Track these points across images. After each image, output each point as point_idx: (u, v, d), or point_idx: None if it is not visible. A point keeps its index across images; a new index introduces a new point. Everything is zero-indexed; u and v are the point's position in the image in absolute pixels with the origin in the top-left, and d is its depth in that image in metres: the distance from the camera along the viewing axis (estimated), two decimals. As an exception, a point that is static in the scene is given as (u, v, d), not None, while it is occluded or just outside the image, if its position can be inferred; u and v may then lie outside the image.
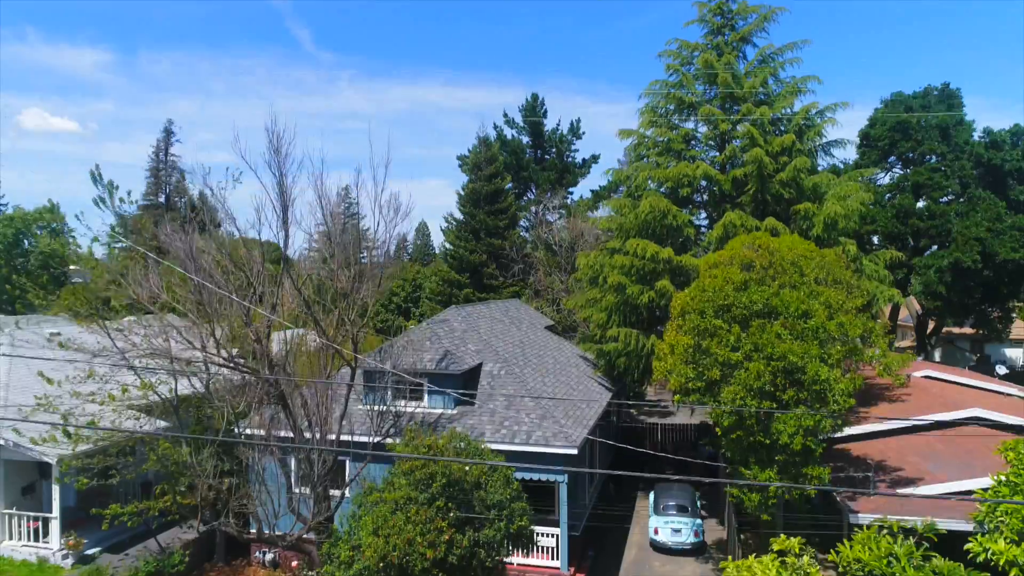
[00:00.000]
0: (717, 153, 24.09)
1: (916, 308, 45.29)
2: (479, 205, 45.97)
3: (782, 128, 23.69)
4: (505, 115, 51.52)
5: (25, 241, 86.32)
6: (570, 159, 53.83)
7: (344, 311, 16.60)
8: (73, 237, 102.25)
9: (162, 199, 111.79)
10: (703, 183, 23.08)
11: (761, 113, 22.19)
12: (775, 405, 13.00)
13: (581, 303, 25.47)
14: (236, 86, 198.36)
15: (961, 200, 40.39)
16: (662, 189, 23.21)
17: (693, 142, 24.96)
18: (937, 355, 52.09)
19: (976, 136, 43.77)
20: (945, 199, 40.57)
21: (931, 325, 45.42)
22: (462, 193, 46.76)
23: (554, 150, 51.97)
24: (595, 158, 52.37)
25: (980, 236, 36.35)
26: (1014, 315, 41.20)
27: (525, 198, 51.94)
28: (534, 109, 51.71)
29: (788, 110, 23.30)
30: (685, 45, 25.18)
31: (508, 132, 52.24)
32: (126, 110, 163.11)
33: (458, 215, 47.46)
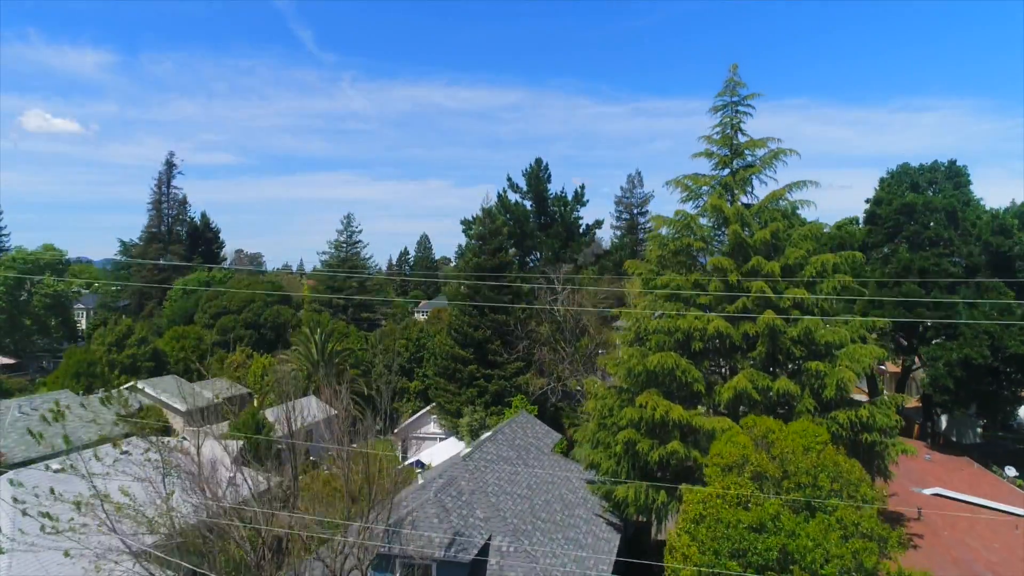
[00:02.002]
0: (725, 294, 23.84)
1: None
2: (484, 279, 45.77)
3: (794, 263, 23.43)
4: (508, 179, 51.46)
5: (28, 283, 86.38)
6: (573, 218, 53.65)
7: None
8: (75, 277, 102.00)
9: (163, 229, 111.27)
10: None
11: (771, 268, 21.99)
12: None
13: (588, 438, 25.20)
14: (238, 87, 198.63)
15: (969, 282, 40.09)
16: (672, 336, 22.96)
17: (702, 275, 24.74)
18: (944, 420, 51.88)
19: (984, 203, 43.64)
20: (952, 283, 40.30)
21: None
22: (467, 268, 46.62)
23: (558, 215, 51.76)
24: (599, 223, 52.32)
25: (989, 330, 36.11)
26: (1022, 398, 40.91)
27: (529, 263, 51.75)
28: (538, 174, 51.52)
29: (799, 257, 23.07)
30: (695, 180, 25.01)
31: (512, 196, 52.10)
32: (128, 111, 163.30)
33: (458, 262, 47.41)
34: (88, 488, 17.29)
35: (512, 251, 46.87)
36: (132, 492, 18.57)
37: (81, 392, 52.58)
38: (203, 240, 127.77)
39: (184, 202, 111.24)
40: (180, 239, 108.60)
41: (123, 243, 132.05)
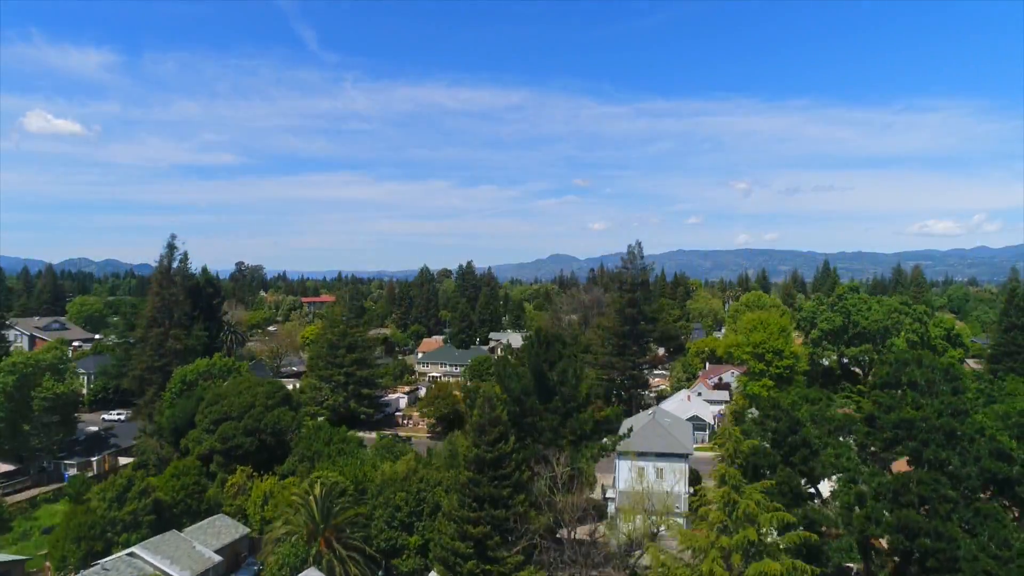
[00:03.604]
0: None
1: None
2: (483, 471, 45.83)
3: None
4: (508, 346, 51.29)
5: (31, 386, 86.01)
6: (573, 393, 53.56)
7: None
8: (76, 374, 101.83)
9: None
10: None
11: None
12: None
13: None
14: (241, 87, 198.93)
15: (970, 500, 40.15)
16: None
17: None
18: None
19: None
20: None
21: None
22: (467, 457, 46.67)
23: (556, 388, 51.79)
24: (597, 395, 52.22)
25: (988, 569, 36.19)
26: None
27: (528, 442, 51.65)
28: (537, 348, 51.55)
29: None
30: (694, 538, 25.12)
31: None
32: (130, 111, 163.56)
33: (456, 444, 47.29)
34: None
35: (512, 440, 46.82)
36: None
37: (81, 559, 52.56)
38: (203, 296, 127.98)
39: (183, 283, 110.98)
40: (182, 323, 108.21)
41: (126, 316, 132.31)
